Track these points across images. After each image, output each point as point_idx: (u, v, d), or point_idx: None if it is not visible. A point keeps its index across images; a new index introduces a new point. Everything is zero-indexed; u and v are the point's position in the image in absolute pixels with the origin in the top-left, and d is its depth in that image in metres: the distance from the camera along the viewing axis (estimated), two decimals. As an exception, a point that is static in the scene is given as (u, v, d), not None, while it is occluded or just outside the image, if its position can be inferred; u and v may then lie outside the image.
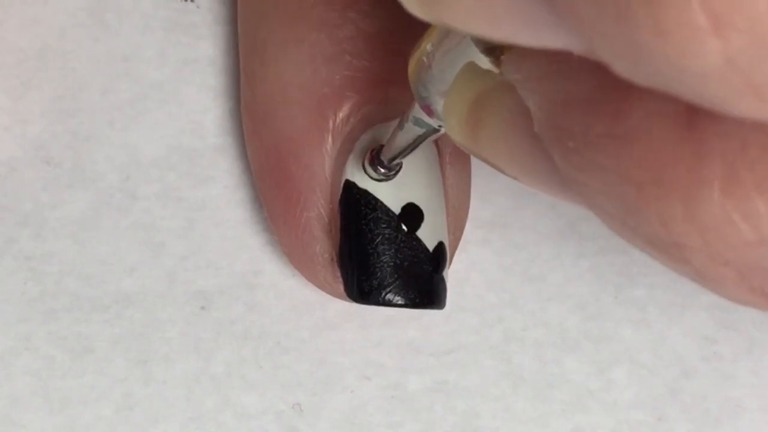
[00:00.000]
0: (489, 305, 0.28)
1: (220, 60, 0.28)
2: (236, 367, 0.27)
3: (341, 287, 0.25)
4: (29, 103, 0.28)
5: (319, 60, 0.25)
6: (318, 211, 0.25)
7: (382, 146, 0.24)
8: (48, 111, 0.28)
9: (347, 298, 0.26)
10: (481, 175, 0.28)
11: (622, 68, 0.15)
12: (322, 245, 0.25)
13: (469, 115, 0.19)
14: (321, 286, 0.26)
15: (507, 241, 0.28)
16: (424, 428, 0.27)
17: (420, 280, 0.25)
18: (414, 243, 0.25)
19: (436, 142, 0.25)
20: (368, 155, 0.25)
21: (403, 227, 0.25)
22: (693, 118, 0.16)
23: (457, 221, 0.26)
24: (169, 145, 0.28)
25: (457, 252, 0.27)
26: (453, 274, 0.27)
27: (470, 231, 0.28)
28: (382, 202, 0.25)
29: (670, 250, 0.17)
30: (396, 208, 0.25)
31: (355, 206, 0.25)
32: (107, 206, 0.27)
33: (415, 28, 0.25)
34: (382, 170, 0.24)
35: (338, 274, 0.25)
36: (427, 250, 0.25)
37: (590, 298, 0.28)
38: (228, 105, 0.28)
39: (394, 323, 0.27)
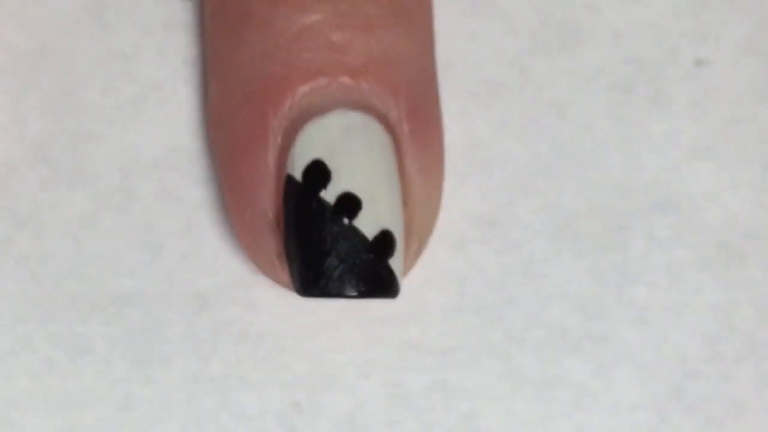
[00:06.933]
0: (489, 305, 0.27)
1: (219, 59, 0.28)
2: (235, 367, 0.27)
3: None
4: (28, 103, 0.28)
5: (256, 56, 0.26)
6: (263, 207, 0.26)
7: None
8: (47, 110, 0.28)
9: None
10: (476, 170, 0.28)
11: None
12: (268, 241, 0.26)
13: None
14: (279, 283, 0.26)
15: (506, 239, 0.28)
16: (423, 428, 0.27)
17: (361, 269, 0.25)
18: (350, 233, 0.25)
19: (391, 126, 0.26)
20: None
21: (343, 218, 0.25)
22: None
23: (425, 208, 0.26)
24: (169, 145, 0.28)
25: (456, 251, 0.27)
26: (452, 274, 0.27)
27: (468, 229, 0.28)
28: (316, 194, 0.25)
29: None
30: (332, 199, 0.25)
31: (292, 199, 0.25)
32: (106, 206, 0.27)
33: (347, 18, 0.26)
34: None
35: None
36: (366, 239, 0.25)
37: (591, 297, 0.28)
38: (227, 104, 0.28)
39: (393, 322, 0.27)
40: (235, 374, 0.27)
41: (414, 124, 0.26)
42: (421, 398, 0.27)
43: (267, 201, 0.26)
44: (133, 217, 0.27)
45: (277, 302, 0.27)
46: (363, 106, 0.26)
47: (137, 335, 0.27)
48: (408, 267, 0.26)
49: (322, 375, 0.27)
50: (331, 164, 0.25)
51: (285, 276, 0.26)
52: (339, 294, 0.25)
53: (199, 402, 0.27)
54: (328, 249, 0.25)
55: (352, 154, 0.25)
